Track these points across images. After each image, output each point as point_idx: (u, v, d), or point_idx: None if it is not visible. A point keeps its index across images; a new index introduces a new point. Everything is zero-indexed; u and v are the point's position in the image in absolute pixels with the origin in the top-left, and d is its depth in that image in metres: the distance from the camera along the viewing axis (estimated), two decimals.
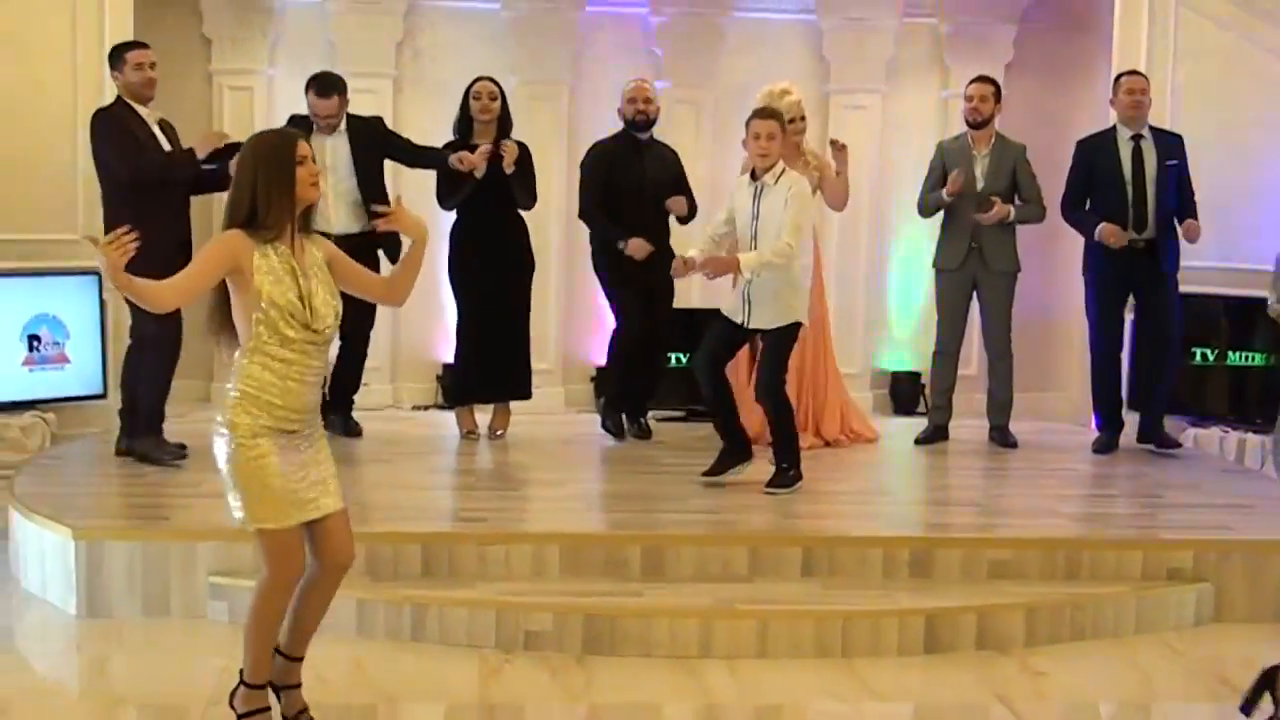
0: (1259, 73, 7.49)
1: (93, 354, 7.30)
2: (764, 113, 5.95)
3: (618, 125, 7.08)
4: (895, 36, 8.65)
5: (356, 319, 6.57)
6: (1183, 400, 7.42)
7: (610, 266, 6.98)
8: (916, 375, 8.65)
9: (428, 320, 8.27)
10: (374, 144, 6.83)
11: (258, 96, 8.29)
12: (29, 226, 7.11)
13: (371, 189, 6.62)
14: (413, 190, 7.01)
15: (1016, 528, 5.61)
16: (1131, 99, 6.92)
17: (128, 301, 3.75)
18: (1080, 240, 7.11)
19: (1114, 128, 7.03)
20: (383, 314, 7.43)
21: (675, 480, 6.16)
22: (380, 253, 6.56)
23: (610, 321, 7.22)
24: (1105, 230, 6.79)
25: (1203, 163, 7.03)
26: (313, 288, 3.77)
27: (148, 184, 6.02)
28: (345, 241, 5.40)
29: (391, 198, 5.38)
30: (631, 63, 8.17)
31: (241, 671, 3.91)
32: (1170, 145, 6.93)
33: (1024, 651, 4.90)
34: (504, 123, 6.89)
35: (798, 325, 5.95)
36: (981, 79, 7.17)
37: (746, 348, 6.46)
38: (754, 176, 5.93)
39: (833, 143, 6.84)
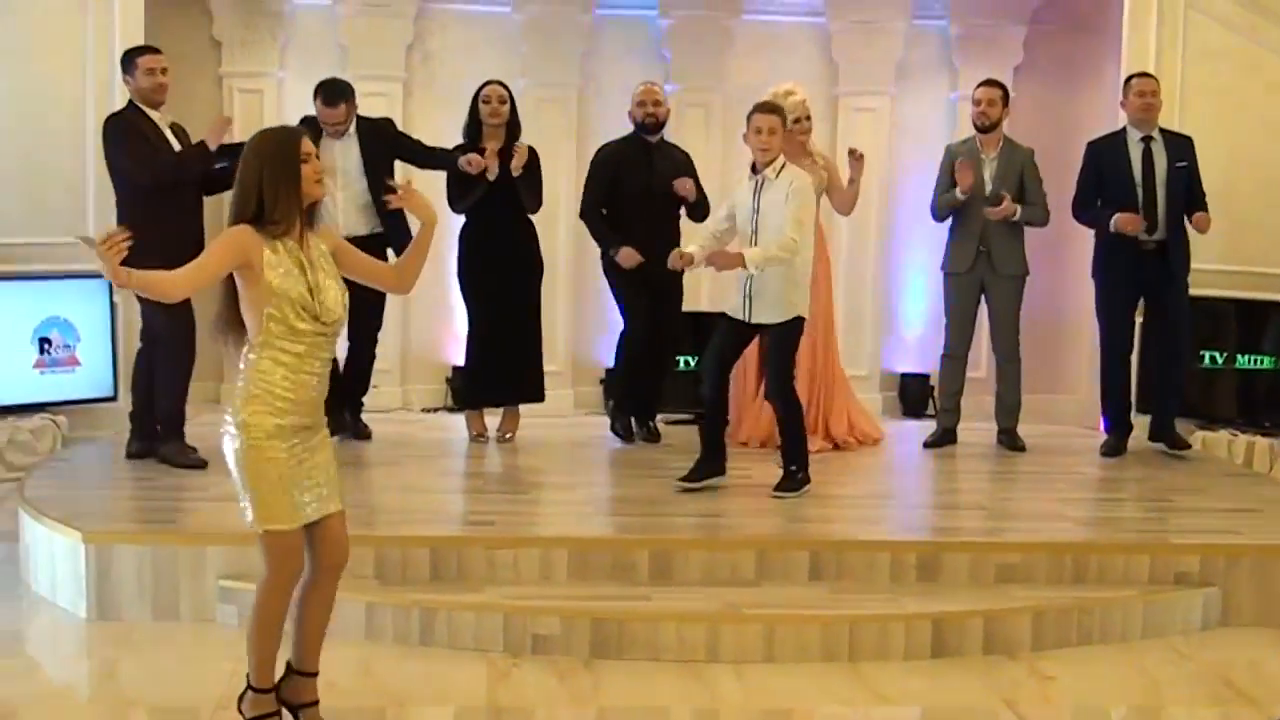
0: (1268, 75, 7.48)
1: (103, 357, 7.34)
2: (765, 107, 5.95)
3: (627, 128, 7.06)
4: (904, 38, 8.65)
5: (365, 320, 6.61)
6: (1191, 403, 7.40)
7: (618, 267, 6.97)
8: (925, 378, 8.65)
9: (437, 323, 8.26)
10: (384, 146, 6.84)
11: (268, 99, 8.32)
12: (40, 230, 7.14)
13: (381, 191, 6.62)
14: (423, 191, 6.98)
15: (1024, 532, 5.62)
16: (1142, 101, 6.91)
17: (138, 298, 3.76)
18: (1089, 243, 7.10)
19: (1124, 129, 7.01)
20: (392, 316, 7.44)
21: None
22: (390, 253, 6.57)
23: (619, 323, 7.23)
24: (1121, 219, 6.75)
25: (1212, 165, 7.01)
26: (320, 280, 3.79)
27: (165, 186, 6.03)
28: (355, 244, 5.34)
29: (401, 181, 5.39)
30: (640, 65, 8.18)
31: (248, 676, 3.91)
32: (1180, 147, 6.92)
33: (1031, 656, 4.90)
34: (513, 126, 6.88)
35: (800, 320, 5.94)
36: (989, 83, 7.15)
37: (756, 360, 6.45)
38: (755, 171, 5.92)
39: (851, 151, 6.81)
